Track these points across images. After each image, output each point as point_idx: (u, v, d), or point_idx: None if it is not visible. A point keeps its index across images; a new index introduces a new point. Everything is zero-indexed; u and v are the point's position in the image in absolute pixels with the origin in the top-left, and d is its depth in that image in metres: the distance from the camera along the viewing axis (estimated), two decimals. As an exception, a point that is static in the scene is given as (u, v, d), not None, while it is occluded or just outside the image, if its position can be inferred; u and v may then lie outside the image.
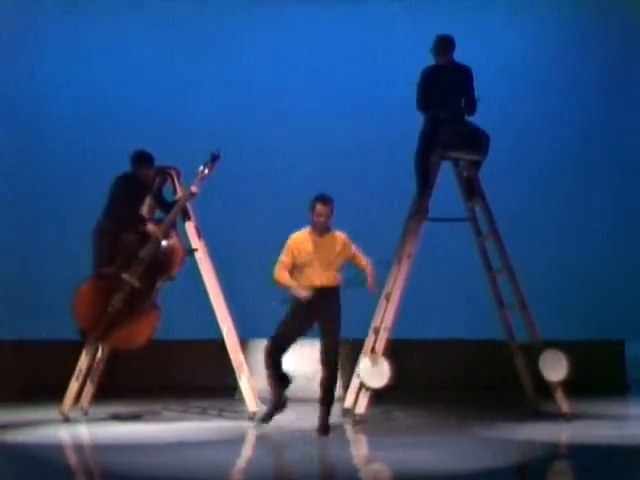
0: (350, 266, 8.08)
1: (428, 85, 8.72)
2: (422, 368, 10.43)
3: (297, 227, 7.97)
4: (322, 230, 7.97)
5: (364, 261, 8.06)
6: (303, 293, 7.79)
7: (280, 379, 8.03)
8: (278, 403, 8.11)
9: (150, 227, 8.39)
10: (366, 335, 8.77)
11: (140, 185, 8.56)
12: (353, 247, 8.07)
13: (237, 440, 7.77)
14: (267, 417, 8.13)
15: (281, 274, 7.90)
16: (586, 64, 11.18)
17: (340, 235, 8.05)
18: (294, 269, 7.93)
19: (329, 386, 7.89)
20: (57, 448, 7.52)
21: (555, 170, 10.99)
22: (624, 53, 11.26)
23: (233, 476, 6.65)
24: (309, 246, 7.92)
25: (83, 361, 8.51)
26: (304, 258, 7.89)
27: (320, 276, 7.89)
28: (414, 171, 8.81)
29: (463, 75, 8.72)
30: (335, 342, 7.90)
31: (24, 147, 10.96)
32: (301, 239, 7.97)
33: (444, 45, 8.79)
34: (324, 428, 7.81)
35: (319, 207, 7.92)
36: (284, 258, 7.93)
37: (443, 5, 11.01)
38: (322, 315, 7.88)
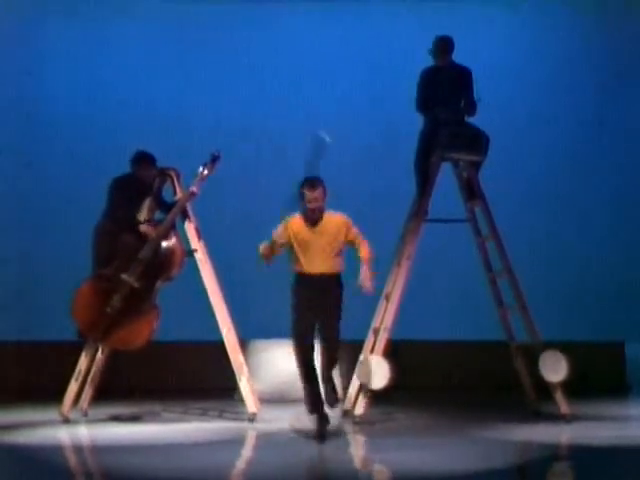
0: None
1: (427, 86, 8.73)
2: (422, 369, 10.42)
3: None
4: (316, 218, 7.59)
5: (363, 251, 7.65)
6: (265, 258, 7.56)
7: (317, 391, 7.63)
8: (321, 417, 7.63)
9: (143, 228, 8.37)
10: (366, 336, 8.77)
11: (140, 186, 8.55)
12: (354, 230, 7.69)
13: (237, 441, 7.77)
14: (320, 436, 7.50)
15: (264, 245, 7.60)
16: (585, 64, 11.16)
17: (339, 217, 7.67)
18: (293, 254, 7.64)
19: (329, 373, 7.69)
20: (57, 449, 7.52)
21: (555, 171, 10.98)
22: (624, 53, 11.24)
23: (233, 477, 6.66)
24: (305, 235, 7.61)
25: (83, 362, 8.50)
26: (300, 245, 7.60)
27: (320, 264, 7.59)
28: (414, 172, 8.81)
29: (462, 76, 8.72)
30: (336, 333, 7.66)
31: (24, 147, 10.95)
32: (297, 226, 7.64)
33: (443, 46, 8.79)
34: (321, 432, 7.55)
35: (308, 193, 7.51)
36: (275, 237, 7.58)
37: (443, 6, 10.99)
38: (322, 304, 7.61)
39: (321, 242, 7.59)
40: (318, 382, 7.73)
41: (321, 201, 7.57)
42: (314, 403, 7.70)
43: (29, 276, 10.81)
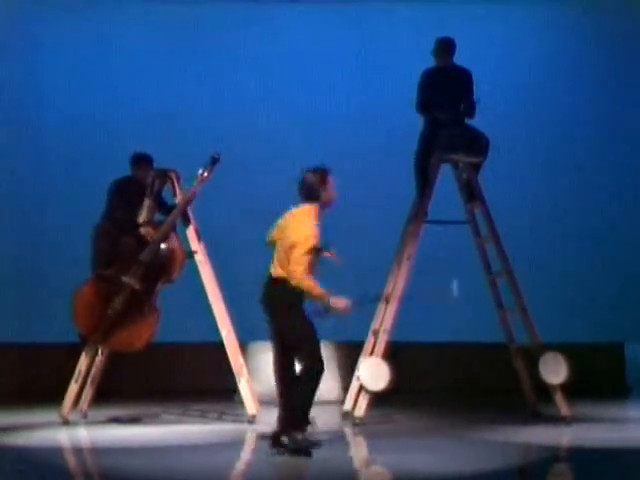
0: None
1: (428, 87, 8.74)
2: (422, 371, 10.42)
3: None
4: None
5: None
6: (341, 304, 6.60)
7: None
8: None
9: (142, 230, 8.37)
10: (365, 337, 8.77)
11: (139, 188, 8.56)
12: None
13: (237, 443, 7.76)
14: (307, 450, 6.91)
15: (311, 280, 6.64)
16: (584, 65, 11.15)
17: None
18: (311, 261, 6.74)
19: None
20: (56, 451, 7.52)
21: (554, 172, 10.97)
22: (623, 53, 11.23)
23: (233, 479, 6.65)
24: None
25: (82, 363, 8.50)
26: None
27: None
28: (414, 173, 8.82)
29: (463, 78, 8.73)
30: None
31: (23, 148, 10.94)
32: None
33: (444, 47, 8.80)
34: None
35: (333, 182, 6.93)
36: (310, 250, 6.65)
37: (443, 7, 10.99)
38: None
39: None
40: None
41: None
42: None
43: (29, 276, 10.79)
